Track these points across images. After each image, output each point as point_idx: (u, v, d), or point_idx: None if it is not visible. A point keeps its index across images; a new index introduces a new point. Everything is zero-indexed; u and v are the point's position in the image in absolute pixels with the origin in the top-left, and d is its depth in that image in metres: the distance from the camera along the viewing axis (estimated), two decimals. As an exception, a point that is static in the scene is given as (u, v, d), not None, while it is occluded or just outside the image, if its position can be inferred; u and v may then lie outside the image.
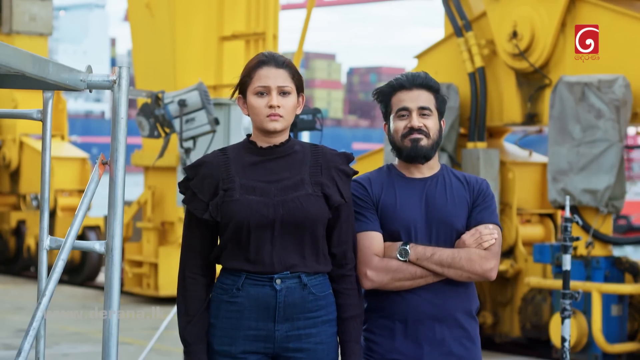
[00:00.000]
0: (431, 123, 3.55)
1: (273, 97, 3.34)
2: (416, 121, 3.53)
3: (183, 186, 3.40)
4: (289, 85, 3.36)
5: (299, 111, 3.43)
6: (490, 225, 3.53)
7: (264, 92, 3.35)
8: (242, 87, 3.41)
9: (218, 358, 3.35)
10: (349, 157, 3.50)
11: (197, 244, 3.39)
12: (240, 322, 3.32)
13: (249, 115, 3.40)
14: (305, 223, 3.32)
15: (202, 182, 3.36)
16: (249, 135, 3.45)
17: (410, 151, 3.54)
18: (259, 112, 3.35)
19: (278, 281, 3.31)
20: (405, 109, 3.54)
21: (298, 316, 3.33)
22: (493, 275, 3.51)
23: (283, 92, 3.35)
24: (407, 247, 3.47)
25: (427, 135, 3.53)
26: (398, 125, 3.56)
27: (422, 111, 3.54)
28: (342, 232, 3.42)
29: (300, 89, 3.41)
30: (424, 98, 3.55)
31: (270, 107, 3.33)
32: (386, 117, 3.63)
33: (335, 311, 3.40)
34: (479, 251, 3.49)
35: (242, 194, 3.32)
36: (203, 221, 3.36)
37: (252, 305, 3.31)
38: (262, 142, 3.40)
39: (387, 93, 3.60)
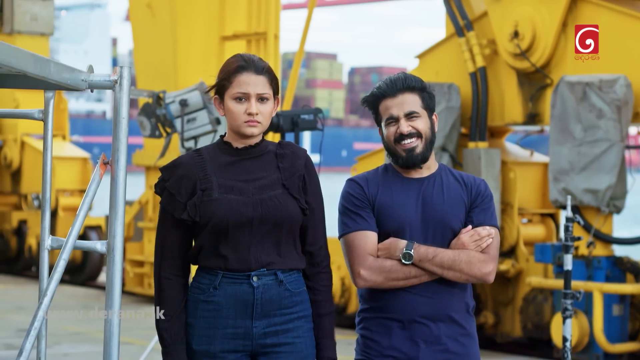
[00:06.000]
0: (420, 124, 3.54)
1: (252, 104, 3.36)
2: (404, 127, 3.53)
3: (159, 187, 3.42)
4: (268, 92, 3.39)
5: (274, 113, 3.45)
6: (488, 227, 3.53)
7: (243, 98, 3.37)
8: (220, 89, 3.43)
9: (197, 358, 3.37)
10: (308, 160, 3.49)
11: (173, 244, 3.40)
12: (218, 321, 3.35)
13: (224, 116, 3.43)
14: (283, 221, 3.36)
15: (179, 182, 3.38)
16: (222, 136, 3.47)
17: (406, 160, 3.55)
18: (237, 117, 3.37)
19: (255, 278, 3.34)
20: (392, 117, 3.56)
21: (275, 312, 3.36)
22: (491, 279, 3.52)
23: (261, 99, 3.38)
24: (412, 251, 3.47)
25: (419, 135, 3.54)
26: (389, 131, 3.57)
27: (409, 116, 3.54)
28: (316, 230, 3.46)
29: (276, 93, 3.44)
30: (409, 101, 3.54)
31: (249, 114, 3.35)
32: (378, 123, 3.64)
33: (310, 307, 3.43)
34: (478, 254, 3.50)
35: (220, 193, 3.35)
36: (179, 221, 3.37)
37: (230, 303, 3.34)
38: (238, 143, 3.43)
39: (373, 102, 3.61)
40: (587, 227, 8.93)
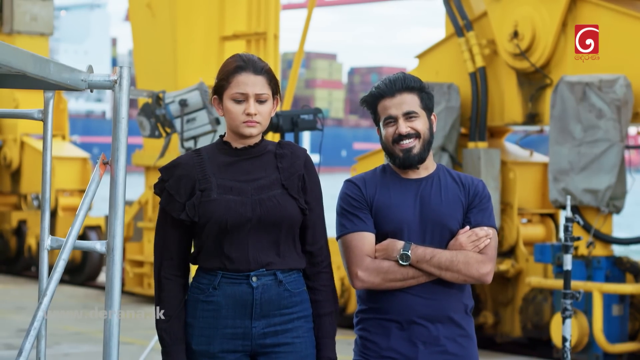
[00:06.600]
0: (419, 125, 3.54)
1: (251, 104, 3.36)
2: (403, 127, 3.53)
3: (158, 188, 3.42)
4: (267, 92, 3.39)
5: (273, 113, 3.45)
6: (486, 228, 3.53)
7: (241, 99, 3.37)
8: (219, 89, 3.42)
9: (197, 358, 3.37)
10: (308, 159, 3.50)
11: (172, 244, 3.41)
12: (217, 321, 3.36)
13: (223, 116, 3.43)
14: (282, 221, 3.36)
15: (178, 183, 3.38)
16: (222, 136, 3.47)
17: (403, 160, 3.55)
18: (236, 117, 3.38)
19: (254, 279, 3.34)
20: (390, 117, 3.55)
21: (274, 312, 3.36)
22: (489, 280, 3.52)
23: (260, 99, 3.38)
24: (409, 252, 3.47)
25: (417, 135, 3.54)
26: (387, 131, 3.57)
27: (408, 116, 3.54)
28: (316, 230, 3.46)
29: (276, 93, 3.44)
30: (408, 102, 3.54)
31: (248, 114, 3.36)
32: (376, 123, 3.64)
33: (310, 308, 3.44)
34: (476, 255, 3.49)
35: (219, 193, 3.35)
36: (178, 221, 3.38)
37: (229, 304, 3.35)
38: (237, 143, 3.43)
39: (371, 102, 3.61)
40: (586, 227, 8.93)
